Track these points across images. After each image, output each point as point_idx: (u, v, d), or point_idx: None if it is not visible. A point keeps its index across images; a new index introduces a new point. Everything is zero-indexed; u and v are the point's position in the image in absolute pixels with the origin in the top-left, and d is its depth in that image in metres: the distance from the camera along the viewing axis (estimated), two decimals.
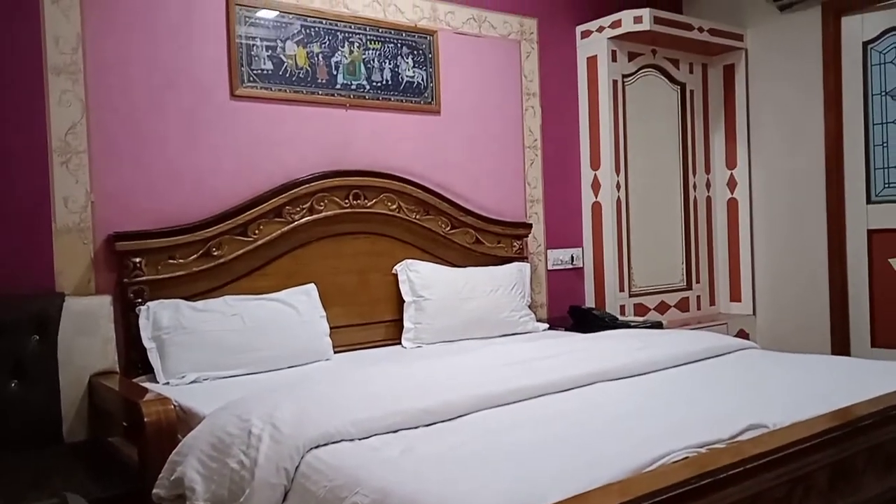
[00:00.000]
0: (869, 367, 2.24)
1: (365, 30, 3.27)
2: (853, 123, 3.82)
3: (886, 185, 3.73)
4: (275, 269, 2.96)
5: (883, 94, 3.73)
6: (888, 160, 3.72)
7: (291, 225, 2.97)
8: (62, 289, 2.52)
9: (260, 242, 2.89)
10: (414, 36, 3.42)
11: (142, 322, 2.53)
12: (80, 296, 2.52)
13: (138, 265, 2.60)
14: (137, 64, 2.70)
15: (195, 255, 2.73)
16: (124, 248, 2.58)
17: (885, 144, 3.73)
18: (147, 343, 2.51)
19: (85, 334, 2.45)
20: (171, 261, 2.68)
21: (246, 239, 2.86)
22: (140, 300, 2.59)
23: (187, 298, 2.66)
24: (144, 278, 2.62)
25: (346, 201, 3.13)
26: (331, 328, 2.89)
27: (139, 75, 2.70)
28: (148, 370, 2.53)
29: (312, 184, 3.03)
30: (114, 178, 2.64)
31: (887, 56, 3.71)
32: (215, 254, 2.78)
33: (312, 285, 2.93)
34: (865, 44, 3.77)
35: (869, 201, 3.78)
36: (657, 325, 3.52)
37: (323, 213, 3.06)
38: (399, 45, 3.38)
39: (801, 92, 4.00)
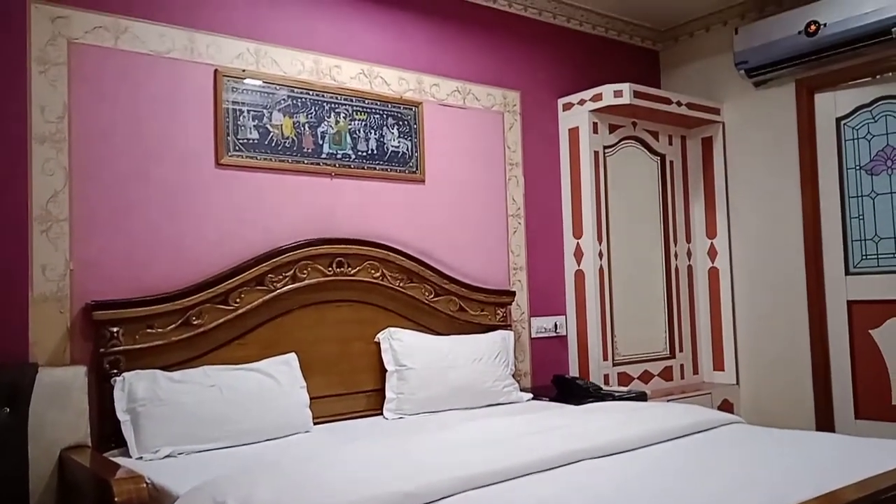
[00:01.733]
0: (854, 446, 2.22)
1: (351, 101, 3.32)
2: (830, 196, 3.90)
3: (864, 257, 3.79)
4: (255, 338, 2.92)
5: (857, 168, 3.82)
6: (865, 232, 3.79)
7: (273, 293, 2.95)
8: (36, 359, 2.46)
9: (241, 311, 2.85)
10: (399, 107, 3.48)
11: (116, 394, 2.47)
12: (54, 366, 2.46)
13: (115, 335, 2.55)
14: (123, 133, 2.71)
15: (174, 325, 2.69)
16: (102, 317, 2.54)
17: (861, 217, 3.80)
18: (121, 416, 2.44)
19: (57, 406, 2.38)
20: (149, 330, 2.64)
21: (227, 308, 2.82)
22: (116, 371, 2.53)
23: (165, 368, 2.61)
24: (121, 348, 2.57)
25: (330, 269, 3.12)
26: (311, 398, 2.83)
27: (124, 144, 2.71)
28: (122, 444, 2.46)
29: (296, 252, 3.02)
30: (94, 247, 2.62)
31: (860, 132, 3.82)
32: (195, 323, 2.74)
33: (293, 355, 2.89)
34: (839, 119, 3.88)
35: (847, 272, 3.83)
36: (641, 396, 3.50)
37: (306, 281, 3.05)
38: (385, 115, 3.43)
39: (777, 165, 4.10)
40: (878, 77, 3.76)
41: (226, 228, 2.93)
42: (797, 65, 3.84)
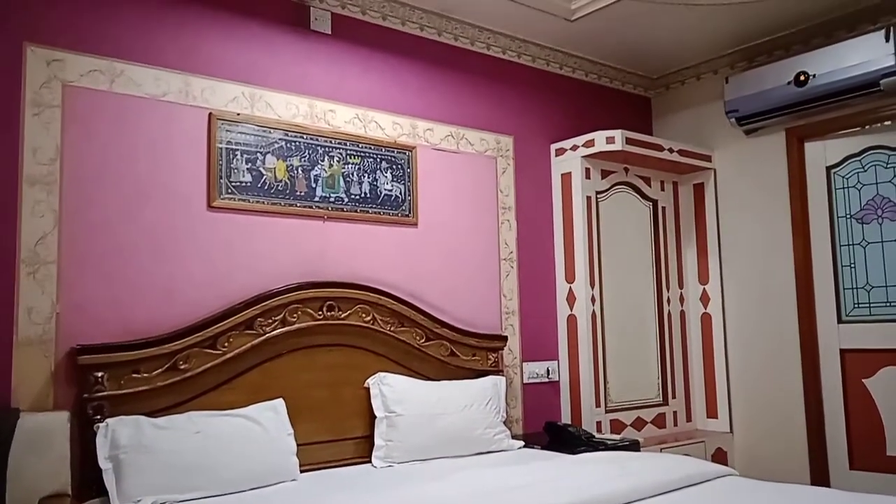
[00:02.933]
0: (848, 502, 2.18)
1: (345, 145, 3.33)
2: (821, 244, 3.91)
3: (856, 305, 3.78)
4: (243, 383, 2.87)
5: (848, 216, 3.84)
6: (856, 281, 3.79)
7: (263, 337, 2.91)
8: (18, 404, 2.42)
9: (229, 355, 2.82)
10: (393, 151, 3.49)
11: (99, 440, 2.41)
12: (36, 411, 2.42)
13: (100, 379, 2.51)
14: (115, 175, 2.70)
15: (161, 369, 2.65)
16: (87, 361, 2.50)
17: (852, 265, 3.81)
18: (103, 463, 2.38)
19: (38, 453, 2.33)
20: (134, 375, 2.60)
21: (215, 352, 2.79)
22: (99, 416, 2.48)
23: (150, 414, 2.56)
24: (106, 393, 2.52)
25: (320, 313, 3.10)
26: (299, 445, 2.78)
27: (116, 186, 2.70)
28: (103, 493, 2.39)
29: (286, 295, 3.00)
30: (82, 290, 2.59)
31: (850, 181, 3.85)
32: (182, 367, 2.70)
33: (280, 400, 2.85)
34: (829, 168, 3.92)
35: (840, 321, 3.82)
36: (634, 445, 3.46)
37: (296, 325, 3.01)
38: (378, 159, 3.44)
39: (769, 212, 4.12)
40: (867, 127, 3.81)
41: (216, 271, 2.91)
42: (787, 114, 3.89)
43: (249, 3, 3.11)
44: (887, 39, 3.43)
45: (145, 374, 2.62)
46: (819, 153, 3.95)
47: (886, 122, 3.73)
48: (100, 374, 2.51)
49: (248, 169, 3.03)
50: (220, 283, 2.91)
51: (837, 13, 3.78)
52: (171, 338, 2.69)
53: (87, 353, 2.50)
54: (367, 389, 3.17)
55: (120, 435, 2.41)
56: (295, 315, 3.02)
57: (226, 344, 2.82)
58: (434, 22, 3.69)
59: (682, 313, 4.42)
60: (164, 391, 2.66)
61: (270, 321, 2.95)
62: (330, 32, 3.34)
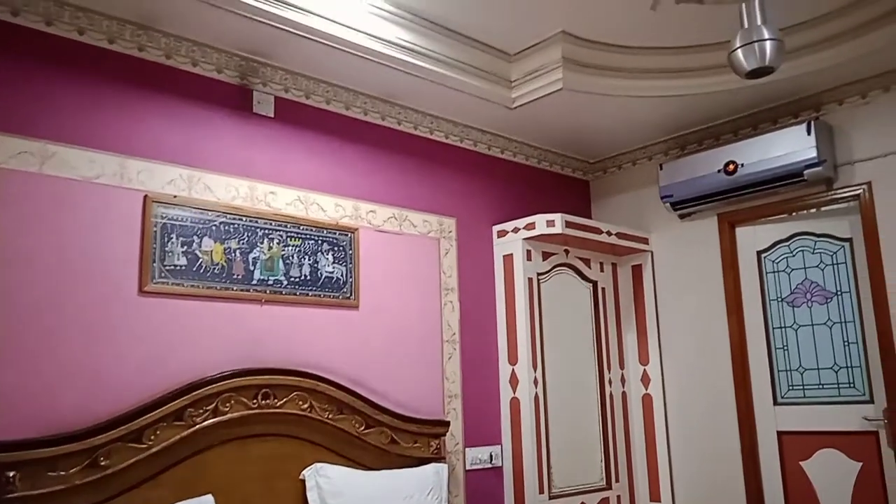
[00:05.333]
0: None
1: (286, 226, 3.29)
2: (755, 327, 4.01)
3: (791, 388, 3.86)
4: (170, 478, 2.71)
5: (780, 300, 3.96)
6: (790, 363, 3.88)
7: (193, 429, 2.77)
8: None
9: (155, 449, 2.66)
10: (335, 233, 3.46)
11: None
12: None
13: (11, 480, 2.33)
14: (44, 259, 2.59)
15: (79, 467, 2.48)
16: None
17: (785, 348, 3.91)
18: None
19: None
20: (50, 473, 2.41)
21: (139, 446, 2.63)
22: None
23: None
24: (18, 495, 2.33)
25: (255, 401, 2.98)
26: None
27: (44, 270, 2.58)
28: None
29: (219, 383, 2.88)
30: (1, 378, 2.43)
31: (780, 265, 3.99)
32: (103, 464, 2.53)
33: (210, 497, 2.69)
34: (759, 252, 4.06)
35: (776, 403, 3.89)
36: None
37: (228, 415, 2.89)
38: (320, 241, 3.40)
39: (705, 294, 4.21)
40: (793, 214, 3.97)
41: (146, 359, 2.78)
42: (718, 200, 4.04)
43: (192, 85, 3.09)
44: (809, 133, 3.62)
45: (62, 473, 2.44)
46: (750, 238, 4.10)
47: (812, 210, 3.90)
48: (11, 475, 2.33)
49: (183, 252, 2.95)
50: (149, 372, 2.78)
51: (762, 107, 4.00)
52: (92, 432, 2.52)
53: None
54: (304, 482, 3.04)
55: None
56: (228, 404, 2.89)
57: (152, 437, 2.67)
58: (378, 107, 3.74)
59: (624, 394, 4.43)
60: (83, 489, 2.48)
61: (202, 411, 2.82)
62: (273, 115, 3.33)
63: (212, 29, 2.98)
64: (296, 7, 2.91)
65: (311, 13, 2.96)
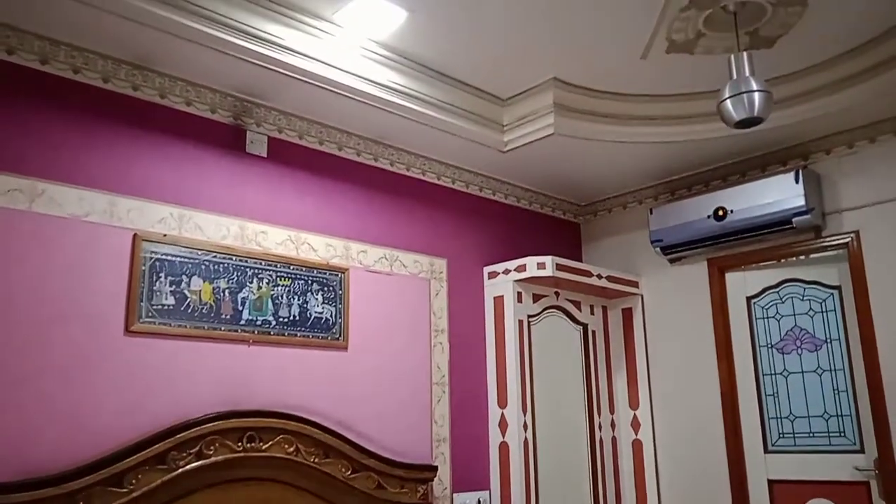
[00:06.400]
0: None
1: (276, 266, 3.27)
2: (745, 373, 3.99)
3: (781, 436, 3.83)
4: None
5: (769, 346, 3.96)
6: (780, 410, 3.86)
7: (176, 472, 2.71)
8: None
9: (136, 494, 2.59)
10: (325, 273, 3.45)
11: None
12: None
13: None
14: (28, 298, 2.55)
15: None
16: None
17: (775, 395, 3.89)
18: None
19: None
20: None
21: (119, 490, 2.56)
22: None
23: None
24: None
25: (240, 444, 2.92)
26: None
27: (28, 310, 2.55)
28: None
29: (204, 426, 2.83)
30: None
31: (769, 311, 3.99)
32: None
33: None
34: (749, 298, 4.07)
35: (767, 451, 3.86)
36: None
37: (212, 459, 2.83)
38: (310, 281, 3.39)
39: (695, 339, 4.21)
40: (782, 261, 3.99)
41: (130, 400, 2.73)
42: (708, 246, 4.06)
43: (185, 125, 3.10)
44: (797, 181, 3.66)
45: None
46: (739, 283, 4.11)
47: (801, 257, 3.92)
48: None
49: (171, 291, 2.92)
50: (132, 414, 2.73)
51: (751, 154, 4.05)
52: (71, 475, 2.46)
53: None
54: None
55: None
56: (212, 447, 2.84)
57: (133, 481, 2.61)
58: (371, 148, 3.76)
59: (614, 439, 4.39)
60: None
61: (185, 454, 2.76)
62: (266, 155, 3.34)
63: (207, 70, 3.00)
64: (290, 50, 2.93)
65: (306, 56, 2.98)
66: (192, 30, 2.67)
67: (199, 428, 2.81)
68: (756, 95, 2.63)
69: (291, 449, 3.08)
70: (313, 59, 3.01)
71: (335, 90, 3.17)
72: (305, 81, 3.08)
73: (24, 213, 2.59)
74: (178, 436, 2.75)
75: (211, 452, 2.83)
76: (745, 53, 2.77)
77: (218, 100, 3.19)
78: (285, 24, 2.89)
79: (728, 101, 2.68)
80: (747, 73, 2.72)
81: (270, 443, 3.02)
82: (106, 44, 2.79)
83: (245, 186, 3.25)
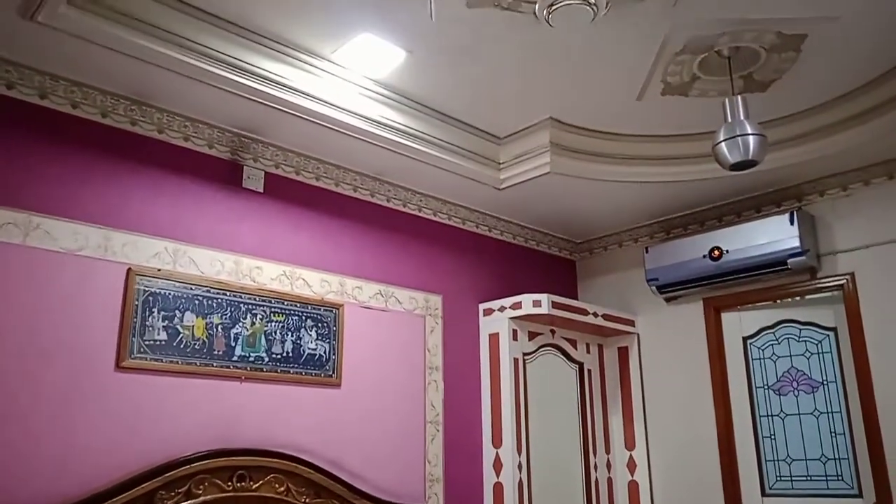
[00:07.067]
0: None
1: (270, 302, 3.26)
2: (742, 414, 3.96)
3: (779, 478, 3.79)
4: None
5: (766, 387, 3.93)
6: (777, 453, 3.82)
7: None
8: None
9: None
10: (320, 309, 3.43)
11: None
12: None
13: None
14: (19, 333, 2.53)
15: None
16: None
17: (773, 437, 3.85)
18: None
19: None
20: None
21: None
22: None
23: None
24: None
25: (230, 484, 2.87)
26: None
27: (19, 345, 2.52)
28: None
29: (193, 464, 2.78)
30: None
31: (765, 352, 3.98)
32: None
33: None
34: (745, 339, 4.05)
35: (764, 494, 3.81)
36: None
37: (201, 498, 2.78)
38: (303, 317, 3.36)
39: (691, 378, 4.18)
40: (777, 302, 3.99)
41: (119, 438, 2.69)
42: (704, 285, 4.06)
43: (183, 159, 3.11)
44: (792, 223, 3.67)
45: None
46: (735, 324, 4.10)
47: (796, 298, 3.92)
48: None
49: (164, 326, 2.90)
50: (121, 451, 2.68)
51: (746, 195, 4.07)
52: None
53: None
54: None
55: None
56: (201, 487, 2.79)
57: None
58: (367, 184, 3.77)
59: (610, 480, 4.33)
60: None
61: (173, 494, 2.71)
62: (262, 191, 3.35)
63: (205, 105, 3.02)
64: (288, 87, 2.95)
65: (304, 94, 3.00)
66: (191, 66, 2.69)
67: (188, 467, 2.76)
68: (751, 139, 2.65)
69: (282, 489, 3.03)
70: (311, 96, 3.03)
71: (333, 127, 3.18)
72: (303, 118, 3.10)
73: (18, 247, 2.58)
74: (167, 475, 2.71)
75: (200, 492, 2.78)
76: (739, 97, 2.80)
77: (216, 135, 3.20)
78: (284, 61, 2.92)
79: (723, 144, 2.70)
80: (742, 117, 2.74)
81: (261, 482, 2.97)
82: (105, 79, 2.81)
83: (241, 221, 3.25)
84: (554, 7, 2.24)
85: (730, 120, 2.76)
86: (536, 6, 2.31)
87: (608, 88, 3.21)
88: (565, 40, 2.83)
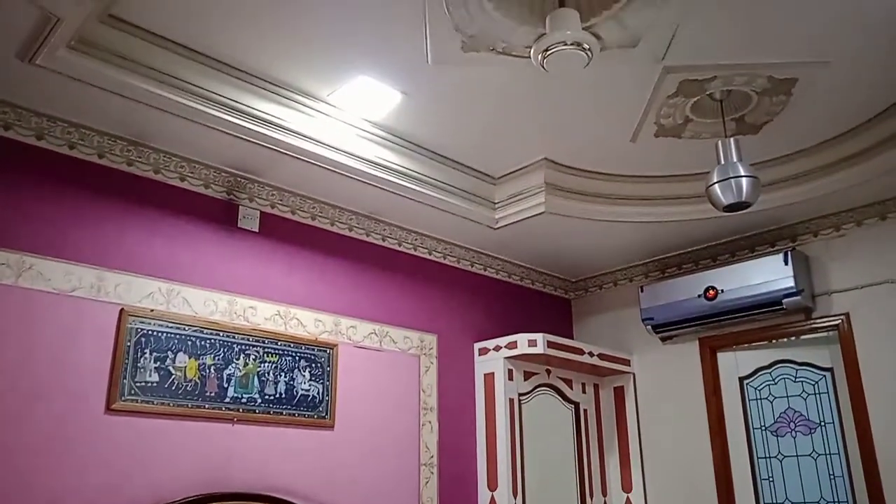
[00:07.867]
0: None
1: (263, 342, 3.23)
2: (739, 455, 3.92)
3: None
4: None
5: (763, 428, 3.90)
6: (776, 495, 3.77)
7: None
8: None
9: None
10: (313, 349, 3.40)
11: None
12: None
13: None
14: (8, 374, 2.49)
15: None
16: None
17: (770, 479, 3.81)
18: None
19: None
20: None
21: None
22: None
23: None
24: None
25: None
26: None
27: (7, 387, 2.48)
28: None
29: None
30: None
31: (762, 392, 3.95)
32: None
33: None
34: (742, 379, 4.03)
35: None
36: None
37: None
38: (297, 357, 3.34)
39: (688, 419, 4.14)
40: (773, 342, 3.97)
41: (106, 482, 2.64)
42: (699, 325, 4.05)
43: (178, 199, 3.11)
44: (786, 263, 3.68)
45: None
46: (731, 363, 4.08)
47: (792, 338, 3.91)
48: None
49: (155, 368, 2.87)
50: (111, 496, 2.63)
51: (740, 235, 4.09)
52: None
53: None
54: None
55: None
56: None
57: None
58: (363, 223, 3.77)
59: None
60: None
61: None
62: (257, 230, 3.35)
63: (201, 146, 3.03)
64: (285, 128, 2.97)
65: (300, 134, 3.01)
66: (189, 108, 2.71)
67: None
68: (744, 181, 2.67)
69: None
70: (308, 137, 3.04)
71: (329, 167, 3.20)
72: (299, 159, 3.11)
73: (11, 288, 2.56)
74: None
75: None
76: (732, 139, 2.83)
77: (212, 175, 3.21)
78: (281, 103, 2.94)
79: (716, 186, 2.72)
80: (734, 159, 2.76)
81: None
82: (103, 120, 2.82)
83: (235, 261, 3.24)
84: (549, 52, 2.26)
85: (723, 162, 2.78)
86: (531, 51, 2.33)
87: (602, 130, 3.24)
88: (560, 83, 2.87)
